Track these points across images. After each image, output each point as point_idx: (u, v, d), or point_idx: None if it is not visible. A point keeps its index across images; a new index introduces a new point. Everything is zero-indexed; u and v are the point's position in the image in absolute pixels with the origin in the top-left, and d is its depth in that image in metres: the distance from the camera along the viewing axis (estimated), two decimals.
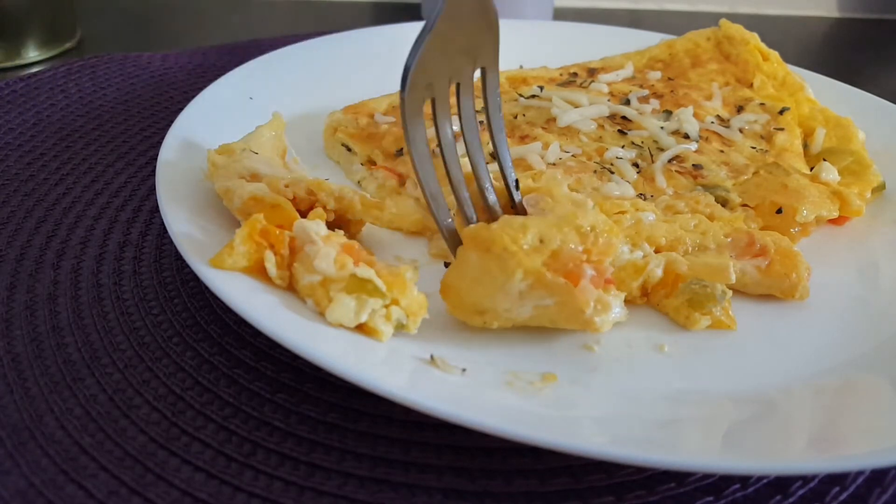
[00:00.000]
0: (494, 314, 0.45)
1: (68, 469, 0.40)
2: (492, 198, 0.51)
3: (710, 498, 0.40)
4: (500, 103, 0.52)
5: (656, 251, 0.52)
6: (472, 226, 0.46)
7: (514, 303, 0.45)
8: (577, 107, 0.67)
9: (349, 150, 0.65)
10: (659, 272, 0.50)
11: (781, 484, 0.41)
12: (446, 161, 0.49)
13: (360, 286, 0.43)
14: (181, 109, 0.62)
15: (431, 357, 0.43)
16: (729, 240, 0.53)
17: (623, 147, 0.62)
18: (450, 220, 0.49)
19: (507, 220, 0.46)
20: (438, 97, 0.47)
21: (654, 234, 0.52)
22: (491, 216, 0.50)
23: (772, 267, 0.52)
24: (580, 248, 0.45)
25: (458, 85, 0.49)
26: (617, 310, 0.47)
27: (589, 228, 0.46)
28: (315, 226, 0.46)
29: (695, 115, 0.67)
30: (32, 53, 0.90)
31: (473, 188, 0.51)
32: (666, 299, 0.50)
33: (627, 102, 0.70)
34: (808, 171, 0.62)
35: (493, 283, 0.44)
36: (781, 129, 0.67)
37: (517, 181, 0.52)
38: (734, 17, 0.82)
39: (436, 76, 0.47)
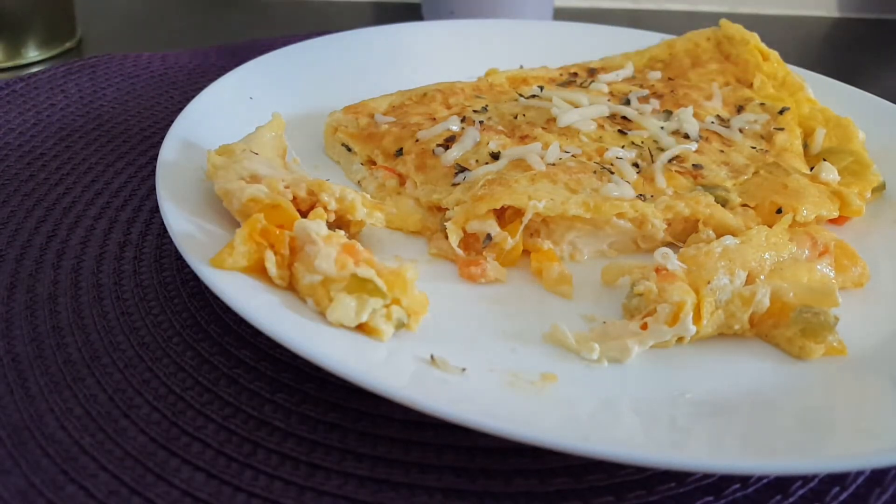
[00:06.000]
0: None
1: (68, 469, 0.40)
2: None
3: (710, 498, 0.40)
4: None
5: (748, 276, 0.49)
6: None
7: None
8: (577, 107, 0.67)
9: (349, 150, 0.65)
10: (766, 302, 0.47)
11: (781, 484, 0.41)
12: None
13: (360, 286, 0.43)
14: (181, 109, 0.61)
15: (431, 357, 0.43)
16: (794, 247, 0.51)
17: (623, 147, 0.62)
18: None
19: None
20: None
21: (745, 260, 0.49)
22: None
23: (839, 262, 0.51)
24: None
25: None
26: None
27: None
28: (316, 226, 0.46)
29: (695, 115, 0.67)
30: (32, 53, 0.90)
31: None
32: (775, 329, 0.47)
33: (627, 102, 0.69)
34: (808, 171, 0.62)
35: None
36: (781, 129, 0.67)
37: None
38: (734, 17, 0.82)
39: None
